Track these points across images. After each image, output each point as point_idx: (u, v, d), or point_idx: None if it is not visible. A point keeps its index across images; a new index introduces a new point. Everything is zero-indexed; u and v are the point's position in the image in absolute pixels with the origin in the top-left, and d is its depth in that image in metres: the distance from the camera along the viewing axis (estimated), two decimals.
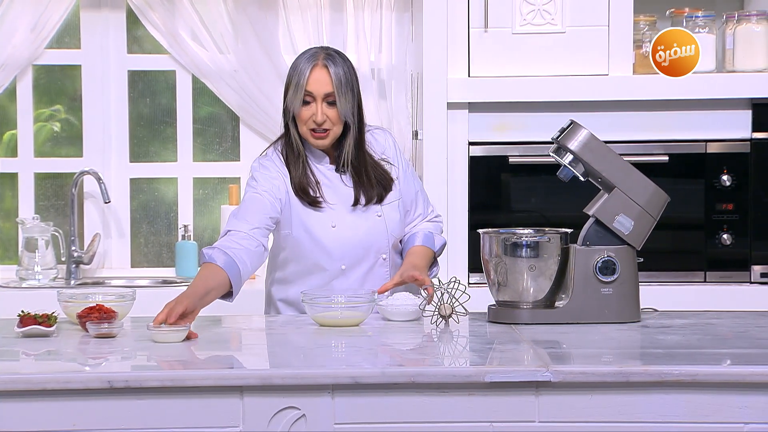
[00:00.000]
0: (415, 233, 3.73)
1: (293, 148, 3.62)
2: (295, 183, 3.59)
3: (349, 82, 3.56)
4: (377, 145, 3.70)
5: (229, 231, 3.50)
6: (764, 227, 4.66)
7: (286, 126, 3.62)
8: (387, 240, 3.66)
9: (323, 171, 3.64)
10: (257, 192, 3.58)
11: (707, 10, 4.68)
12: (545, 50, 4.60)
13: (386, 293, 3.49)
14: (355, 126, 3.60)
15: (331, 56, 3.57)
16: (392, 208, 3.67)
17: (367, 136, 3.68)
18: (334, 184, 3.64)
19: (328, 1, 4.94)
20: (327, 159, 3.65)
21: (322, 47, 3.64)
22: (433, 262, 3.73)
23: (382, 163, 3.68)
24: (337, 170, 3.64)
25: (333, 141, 3.60)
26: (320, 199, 3.60)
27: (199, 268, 3.47)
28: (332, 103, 3.54)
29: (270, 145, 3.70)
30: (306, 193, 3.59)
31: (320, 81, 3.53)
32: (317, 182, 3.62)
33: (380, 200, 3.65)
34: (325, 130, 3.56)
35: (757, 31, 4.62)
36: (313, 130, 3.56)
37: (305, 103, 3.55)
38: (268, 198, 3.56)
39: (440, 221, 3.83)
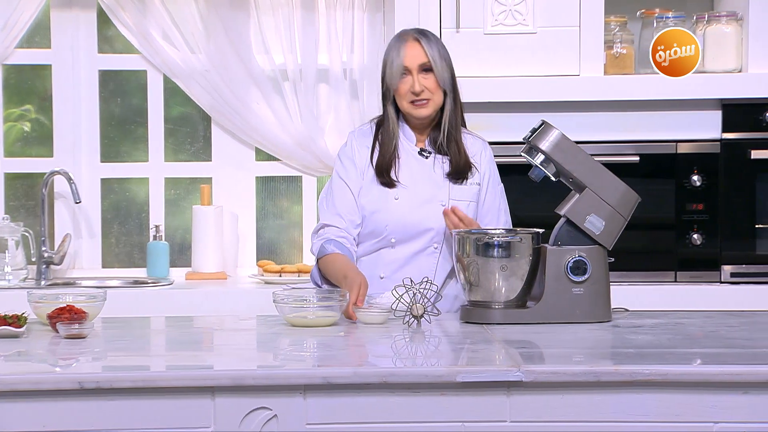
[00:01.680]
0: None
1: (389, 129, 3.72)
2: (380, 163, 3.71)
3: (444, 54, 3.70)
4: (470, 147, 3.77)
5: (326, 225, 3.71)
6: (734, 227, 4.68)
7: (385, 108, 3.74)
8: (444, 230, 3.68)
9: (408, 150, 3.74)
10: (343, 179, 3.72)
11: (677, 11, 4.69)
12: (517, 51, 4.61)
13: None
14: (451, 100, 3.70)
15: (421, 32, 3.72)
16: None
17: (465, 137, 3.76)
18: (412, 165, 3.73)
19: (300, 1, 4.94)
20: (415, 140, 3.75)
21: (411, 28, 3.78)
22: None
23: (471, 162, 3.74)
24: (421, 153, 3.73)
25: (434, 111, 3.70)
26: (396, 182, 3.70)
27: (317, 261, 3.68)
28: (428, 70, 3.66)
29: (370, 120, 3.83)
30: (386, 174, 3.70)
31: (413, 54, 3.67)
32: (398, 157, 3.72)
33: (454, 178, 3.70)
34: (426, 100, 3.67)
35: (727, 32, 4.64)
36: (412, 101, 3.67)
37: (403, 77, 3.66)
38: (353, 180, 3.71)
39: None
